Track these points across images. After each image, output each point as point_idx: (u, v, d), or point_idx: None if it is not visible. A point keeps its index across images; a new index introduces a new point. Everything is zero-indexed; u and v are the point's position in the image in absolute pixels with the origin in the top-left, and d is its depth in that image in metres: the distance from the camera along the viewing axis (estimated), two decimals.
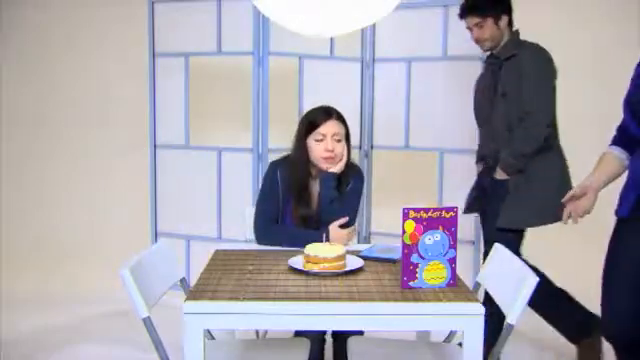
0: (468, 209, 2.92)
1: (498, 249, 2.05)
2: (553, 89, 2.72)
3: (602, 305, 2.01)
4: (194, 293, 1.72)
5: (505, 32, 2.79)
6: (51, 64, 4.35)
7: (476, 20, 2.74)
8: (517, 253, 2.58)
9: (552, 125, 2.68)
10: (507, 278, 1.87)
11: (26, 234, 4.34)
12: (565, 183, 2.67)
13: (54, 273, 4.05)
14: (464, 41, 3.44)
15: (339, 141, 2.30)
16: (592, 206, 2.05)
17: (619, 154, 2.07)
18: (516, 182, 2.67)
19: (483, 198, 2.85)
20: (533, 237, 2.75)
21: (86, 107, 4.40)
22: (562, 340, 2.74)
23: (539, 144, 2.61)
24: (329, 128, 2.27)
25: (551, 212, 2.38)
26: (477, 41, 2.82)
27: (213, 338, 2.23)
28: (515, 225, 2.66)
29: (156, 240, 3.85)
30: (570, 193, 2.08)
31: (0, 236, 4.26)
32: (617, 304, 1.95)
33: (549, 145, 2.66)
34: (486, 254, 2.56)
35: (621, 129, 2.09)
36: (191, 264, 3.77)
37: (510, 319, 1.71)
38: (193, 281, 1.88)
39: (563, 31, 4.01)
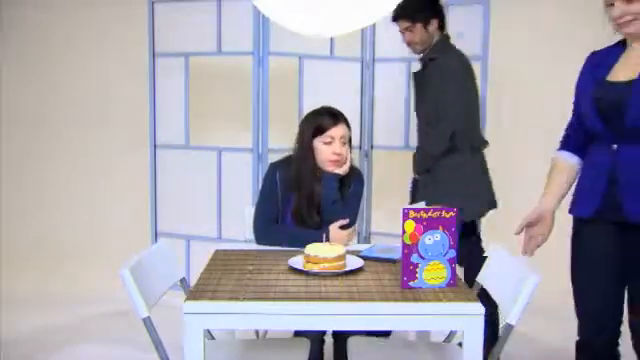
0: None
1: (497, 249, 2.05)
2: (468, 93, 2.79)
3: (575, 306, 1.98)
4: (194, 293, 1.72)
5: (435, 35, 2.86)
6: (51, 64, 4.35)
7: (406, 24, 2.82)
8: None
9: (464, 129, 2.75)
10: (507, 278, 1.87)
11: (26, 234, 4.34)
12: (473, 187, 2.79)
13: (54, 273, 4.05)
14: (464, 41, 3.45)
15: (345, 144, 2.32)
16: (550, 231, 2.00)
17: (569, 160, 2.02)
18: (425, 181, 2.85)
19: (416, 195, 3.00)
20: None
21: (86, 107, 4.40)
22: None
23: (445, 146, 2.72)
24: (338, 131, 2.29)
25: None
26: (408, 44, 2.90)
27: (213, 338, 2.23)
28: None
29: (156, 240, 3.85)
30: (524, 221, 2.02)
31: (0, 236, 4.26)
32: (589, 303, 1.94)
33: (455, 147, 2.73)
34: None
35: (574, 127, 2.05)
36: (191, 264, 3.77)
37: (510, 319, 1.71)
38: (193, 281, 1.88)
39: (564, 31, 4.01)
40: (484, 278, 2.06)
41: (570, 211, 2.00)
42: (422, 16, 2.81)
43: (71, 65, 4.35)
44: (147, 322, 1.78)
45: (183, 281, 2.18)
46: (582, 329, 1.99)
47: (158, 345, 1.81)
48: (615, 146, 1.87)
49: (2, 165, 4.38)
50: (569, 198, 2.02)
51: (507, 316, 1.72)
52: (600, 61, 1.98)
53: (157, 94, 3.76)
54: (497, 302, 1.92)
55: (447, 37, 2.90)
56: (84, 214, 4.43)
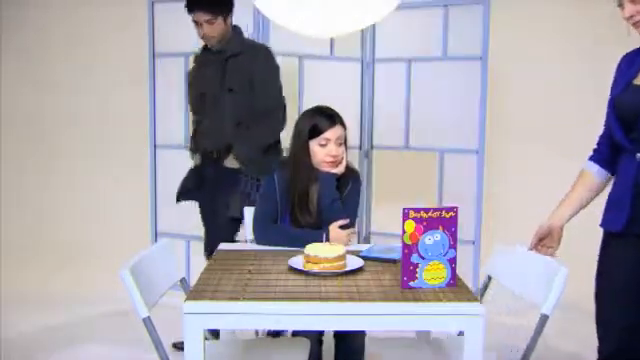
0: (185, 197, 3.08)
1: (514, 246, 2.05)
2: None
3: (597, 322, 1.91)
4: (194, 293, 1.72)
5: (229, 29, 2.86)
6: (51, 64, 4.35)
7: (207, 17, 2.75)
8: (233, 240, 2.88)
9: None
10: (531, 272, 1.89)
11: (26, 234, 4.34)
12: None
13: (54, 273, 4.05)
14: (464, 41, 3.45)
15: (340, 144, 2.31)
16: (558, 245, 1.94)
17: (594, 172, 1.95)
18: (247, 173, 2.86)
19: (202, 187, 3.01)
20: None
21: (86, 107, 4.39)
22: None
23: (275, 139, 2.88)
24: (333, 133, 2.28)
25: None
26: (204, 37, 2.84)
27: (217, 338, 2.23)
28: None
29: (156, 240, 3.85)
30: (535, 237, 1.96)
31: (0, 236, 4.26)
32: (611, 321, 1.86)
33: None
34: (210, 245, 2.95)
35: (604, 137, 1.97)
36: (191, 264, 3.77)
37: (545, 309, 1.72)
38: (193, 281, 1.88)
39: (564, 31, 4.02)
40: (501, 274, 2.06)
41: (601, 224, 1.92)
42: (225, 10, 2.79)
43: (71, 65, 4.35)
44: (147, 322, 1.78)
45: (183, 281, 2.18)
46: (603, 346, 1.89)
47: (158, 345, 1.81)
48: (639, 155, 1.78)
49: (2, 165, 4.38)
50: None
51: (541, 307, 1.73)
52: (630, 64, 1.89)
53: (157, 94, 3.76)
54: (522, 296, 1.92)
55: (240, 31, 2.93)
56: (84, 214, 4.43)
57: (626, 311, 1.83)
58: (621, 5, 1.77)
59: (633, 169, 1.78)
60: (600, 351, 1.91)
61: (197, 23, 2.78)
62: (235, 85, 2.80)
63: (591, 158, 2.00)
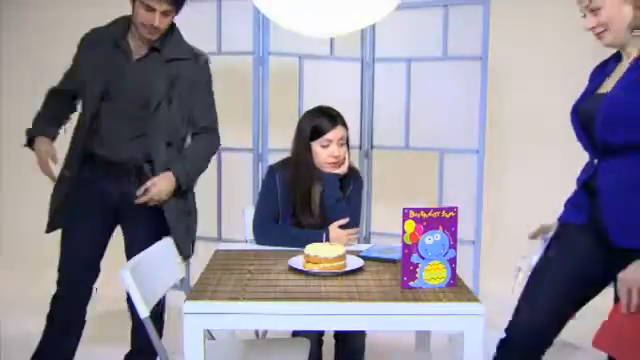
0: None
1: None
2: None
3: (523, 295, 1.87)
4: (194, 293, 1.72)
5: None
6: (51, 64, 4.34)
7: (167, 7, 2.34)
8: None
9: None
10: None
11: (26, 233, 4.33)
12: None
13: (54, 273, 4.04)
14: (464, 41, 3.45)
15: (342, 145, 2.31)
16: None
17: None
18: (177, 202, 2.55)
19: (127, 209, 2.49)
20: None
21: None
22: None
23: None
24: (335, 134, 2.28)
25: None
26: (150, 28, 2.35)
27: (213, 338, 2.23)
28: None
29: None
30: (540, 229, 1.99)
31: (0, 235, 4.26)
32: (539, 299, 1.83)
33: None
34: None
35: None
36: (191, 264, 3.77)
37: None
38: (193, 281, 1.88)
39: (564, 31, 4.01)
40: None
41: (560, 218, 1.94)
42: (182, 5, 2.45)
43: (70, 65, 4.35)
44: (147, 322, 1.78)
45: (183, 281, 2.18)
46: (517, 316, 1.86)
47: (158, 345, 1.81)
48: (596, 161, 1.82)
49: (2, 165, 4.38)
50: None
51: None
52: (597, 73, 1.93)
53: None
54: None
55: (179, 33, 2.58)
56: None
57: (557, 297, 1.82)
58: (583, 17, 1.79)
59: (589, 172, 1.84)
60: (513, 321, 1.87)
61: (149, 9, 2.29)
62: (174, 96, 2.42)
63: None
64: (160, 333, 2.44)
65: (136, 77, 2.40)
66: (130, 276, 1.75)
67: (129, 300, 2.49)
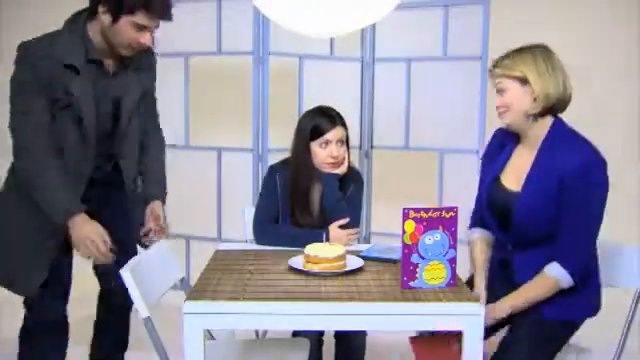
0: None
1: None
2: None
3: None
4: (194, 293, 1.72)
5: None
6: None
7: (158, 24, 2.13)
8: None
9: None
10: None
11: None
12: None
13: None
14: (464, 41, 3.45)
15: (341, 145, 2.31)
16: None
17: (485, 236, 2.07)
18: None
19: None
20: None
21: None
22: None
23: None
24: (334, 134, 2.28)
25: None
26: (139, 46, 2.10)
27: (213, 338, 2.23)
28: None
29: None
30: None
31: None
32: None
33: None
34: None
35: (480, 202, 2.08)
36: (191, 264, 3.77)
37: None
38: (193, 281, 1.88)
39: (564, 31, 4.01)
40: None
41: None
42: None
43: None
44: (147, 322, 1.78)
45: (183, 281, 2.18)
46: None
47: (158, 345, 1.81)
48: (510, 247, 1.95)
49: (2, 164, 4.37)
50: None
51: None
52: (499, 146, 2.04)
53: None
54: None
55: None
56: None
57: None
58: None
59: (504, 256, 1.97)
60: None
61: (143, 28, 2.05)
62: (141, 98, 2.31)
63: (475, 225, 2.11)
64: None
65: (112, 93, 2.20)
66: (130, 276, 1.75)
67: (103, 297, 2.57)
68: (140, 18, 2.01)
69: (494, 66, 1.92)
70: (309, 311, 1.65)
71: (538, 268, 1.84)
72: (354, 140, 3.57)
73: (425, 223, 1.72)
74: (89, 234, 2.06)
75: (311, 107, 2.41)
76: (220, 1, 3.53)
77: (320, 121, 2.28)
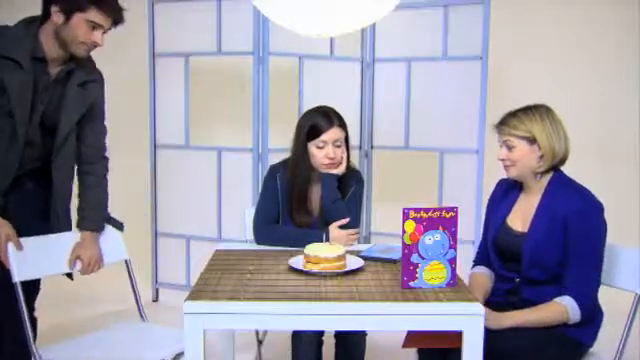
0: None
1: None
2: None
3: None
4: (194, 293, 1.72)
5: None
6: None
7: (111, 25, 2.16)
8: None
9: None
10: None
11: None
12: None
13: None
14: (464, 41, 3.45)
15: (339, 146, 2.30)
16: None
17: (485, 274, 2.13)
18: None
19: None
20: None
21: None
22: None
23: None
24: (331, 135, 2.27)
25: None
26: (86, 46, 2.12)
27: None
28: None
29: (156, 240, 3.85)
30: None
31: None
32: None
33: None
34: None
35: (483, 246, 2.19)
36: (191, 264, 3.77)
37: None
38: (193, 281, 1.88)
39: (564, 31, 4.01)
40: None
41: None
42: None
43: None
44: (17, 286, 2.03)
45: (128, 262, 2.32)
46: None
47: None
48: (517, 279, 2.01)
49: None
50: None
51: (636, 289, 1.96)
52: (504, 195, 2.14)
53: (157, 94, 3.76)
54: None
55: None
56: None
57: None
58: (501, 147, 2.03)
59: (507, 287, 2.04)
60: None
61: (95, 26, 2.06)
62: (80, 117, 2.21)
63: (478, 264, 2.20)
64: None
65: (52, 99, 2.13)
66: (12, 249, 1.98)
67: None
68: (92, 15, 2.04)
69: (502, 123, 2.02)
70: (309, 311, 1.65)
71: (546, 299, 1.92)
72: (354, 140, 3.58)
73: (425, 223, 1.72)
74: None
75: (311, 107, 2.41)
76: (220, 1, 3.53)
77: (317, 122, 2.28)
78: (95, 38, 2.09)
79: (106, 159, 2.38)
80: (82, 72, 2.19)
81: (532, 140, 1.95)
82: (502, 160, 2.02)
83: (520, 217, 2.04)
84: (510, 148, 1.98)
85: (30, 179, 2.21)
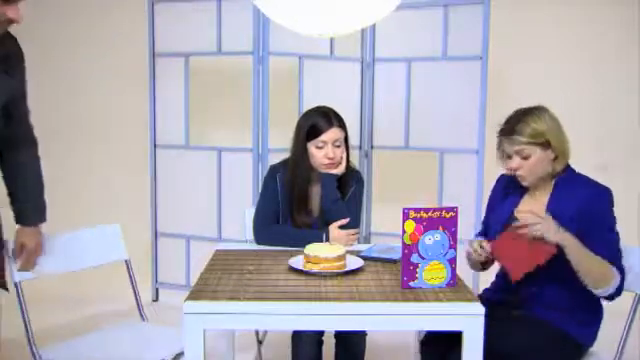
0: None
1: None
2: None
3: None
4: (194, 293, 1.72)
5: None
6: (51, 64, 4.34)
7: None
8: None
9: None
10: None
11: None
12: None
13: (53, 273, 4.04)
14: (464, 41, 3.45)
15: (339, 146, 2.31)
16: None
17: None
18: None
19: None
20: None
21: (86, 107, 4.39)
22: None
23: None
24: (330, 135, 2.28)
25: None
26: (7, 22, 1.76)
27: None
28: None
29: (156, 240, 3.85)
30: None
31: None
32: None
33: None
34: None
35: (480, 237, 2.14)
36: (191, 264, 3.77)
37: None
38: (193, 281, 1.88)
39: (564, 30, 4.01)
40: None
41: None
42: None
43: (71, 65, 4.35)
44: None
45: (128, 262, 2.30)
46: None
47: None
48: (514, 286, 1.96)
49: None
50: None
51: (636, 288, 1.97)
52: (507, 190, 2.10)
53: (157, 94, 3.76)
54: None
55: None
56: (83, 214, 4.42)
57: None
58: (510, 157, 1.98)
59: (509, 292, 2.00)
60: None
61: (11, 0, 1.72)
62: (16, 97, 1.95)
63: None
64: None
65: None
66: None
67: None
68: None
69: (511, 133, 1.95)
70: (309, 311, 1.65)
71: (545, 300, 1.93)
72: (354, 140, 3.58)
73: (425, 223, 1.72)
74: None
75: (311, 107, 2.41)
76: (220, 1, 3.53)
77: (317, 122, 2.29)
78: (10, 13, 1.71)
79: (36, 141, 2.13)
80: (2, 53, 1.85)
81: (546, 145, 1.92)
82: (513, 170, 1.97)
83: (530, 206, 2.00)
84: (525, 158, 1.94)
85: None
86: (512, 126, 1.96)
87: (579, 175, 2.00)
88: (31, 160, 2.11)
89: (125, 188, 4.33)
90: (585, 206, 1.89)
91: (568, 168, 2.01)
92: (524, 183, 2.00)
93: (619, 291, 1.87)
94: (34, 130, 2.14)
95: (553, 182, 2.00)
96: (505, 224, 2.03)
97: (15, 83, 1.94)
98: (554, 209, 1.93)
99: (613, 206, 1.93)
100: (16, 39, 1.94)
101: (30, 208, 2.11)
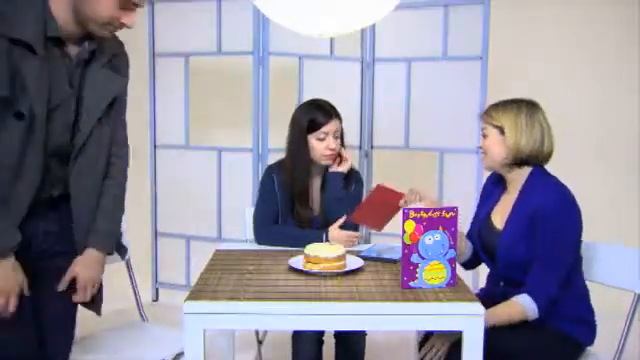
0: None
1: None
2: None
3: None
4: (194, 293, 1.72)
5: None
6: None
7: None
8: None
9: None
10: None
11: None
12: None
13: None
14: (464, 41, 3.45)
15: (337, 138, 2.32)
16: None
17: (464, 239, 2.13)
18: None
19: None
20: None
21: None
22: None
23: None
24: (331, 127, 2.29)
25: None
26: (119, 27, 1.70)
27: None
28: None
29: (156, 240, 3.85)
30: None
31: None
32: None
33: None
34: None
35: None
36: (191, 264, 3.77)
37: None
38: (193, 281, 1.88)
39: (564, 30, 4.01)
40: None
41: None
42: None
43: None
44: None
45: (128, 262, 2.27)
46: None
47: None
48: (502, 283, 2.01)
49: None
50: None
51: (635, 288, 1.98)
52: (493, 189, 2.14)
53: (157, 94, 3.76)
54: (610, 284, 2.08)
55: None
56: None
57: None
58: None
59: (497, 296, 1.96)
60: None
61: (134, 6, 1.69)
62: (112, 104, 1.78)
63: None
64: None
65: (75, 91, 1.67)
66: None
67: None
68: None
69: (484, 112, 2.04)
70: (309, 311, 1.65)
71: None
72: (354, 140, 3.58)
73: (425, 223, 1.72)
74: (7, 282, 1.56)
75: (303, 102, 2.41)
76: (220, 1, 3.53)
77: (317, 114, 2.29)
78: (125, 19, 1.62)
79: (127, 156, 1.96)
80: (108, 49, 1.72)
81: (502, 130, 1.95)
82: (479, 149, 2.05)
83: (500, 213, 2.04)
84: (485, 136, 2.01)
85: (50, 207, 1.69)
86: (487, 107, 2.05)
87: (549, 178, 1.97)
88: (117, 177, 1.88)
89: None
90: (540, 216, 1.86)
91: (538, 168, 1.98)
92: (483, 164, 2.06)
93: (543, 312, 1.87)
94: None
95: (523, 181, 1.99)
96: (483, 220, 2.07)
97: (125, 82, 1.84)
98: (519, 208, 1.95)
99: (575, 220, 1.89)
100: (123, 43, 1.84)
101: (105, 229, 1.78)
